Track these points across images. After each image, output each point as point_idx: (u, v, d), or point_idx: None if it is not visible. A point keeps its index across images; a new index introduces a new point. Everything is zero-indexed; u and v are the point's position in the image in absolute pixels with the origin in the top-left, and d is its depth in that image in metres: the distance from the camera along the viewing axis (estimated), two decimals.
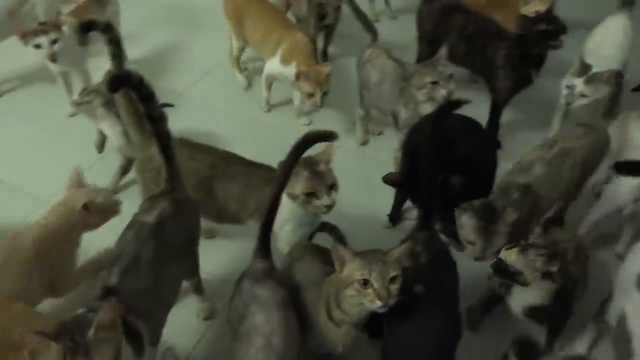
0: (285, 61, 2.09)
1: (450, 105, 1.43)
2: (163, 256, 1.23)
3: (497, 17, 2.15)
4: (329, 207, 1.35)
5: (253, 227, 1.50)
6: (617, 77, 1.87)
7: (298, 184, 1.33)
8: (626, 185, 1.69)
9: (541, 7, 2.16)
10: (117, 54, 1.47)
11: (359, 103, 2.13)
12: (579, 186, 1.63)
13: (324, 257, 1.34)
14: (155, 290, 1.20)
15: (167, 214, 1.27)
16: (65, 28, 2.00)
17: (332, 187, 1.35)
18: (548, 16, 1.90)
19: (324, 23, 2.33)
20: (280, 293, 1.18)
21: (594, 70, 1.87)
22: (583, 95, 1.85)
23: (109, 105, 1.72)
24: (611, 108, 1.64)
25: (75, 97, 1.81)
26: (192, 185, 1.48)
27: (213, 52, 2.62)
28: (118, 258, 1.17)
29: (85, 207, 1.39)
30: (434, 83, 1.72)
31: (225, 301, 1.56)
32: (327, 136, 1.19)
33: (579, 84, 1.85)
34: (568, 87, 1.89)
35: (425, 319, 1.16)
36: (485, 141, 1.74)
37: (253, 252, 1.24)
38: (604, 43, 2.07)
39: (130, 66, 1.58)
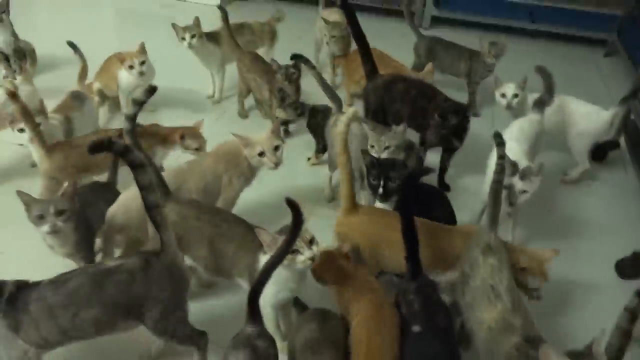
0: None
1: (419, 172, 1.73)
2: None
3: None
4: (313, 259, 1.51)
5: None
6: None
7: None
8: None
9: (428, 77, 2.63)
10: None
11: (329, 166, 2.40)
12: None
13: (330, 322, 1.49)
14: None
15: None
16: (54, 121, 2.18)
17: (312, 241, 1.53)
18: (458, 110, 2.28)
19: (286, 104, 2.62)
20: None
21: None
22: (524, 192, 1.97)
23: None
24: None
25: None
26: (197, 242, 1.66)
27: None
28: None
29: None
30: (372, 147, 2.10)
31: None
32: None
33: (516, 182, 1.97)
34: (506, 187, 1.94)
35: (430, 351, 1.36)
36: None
37: (246, 317, 1.37)
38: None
39: None
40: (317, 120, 2.54)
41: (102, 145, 1.38)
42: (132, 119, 1.70)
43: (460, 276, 1.61)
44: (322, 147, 2.57)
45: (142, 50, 2.70)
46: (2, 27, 3.05)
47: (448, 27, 4.29)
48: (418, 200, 1.81)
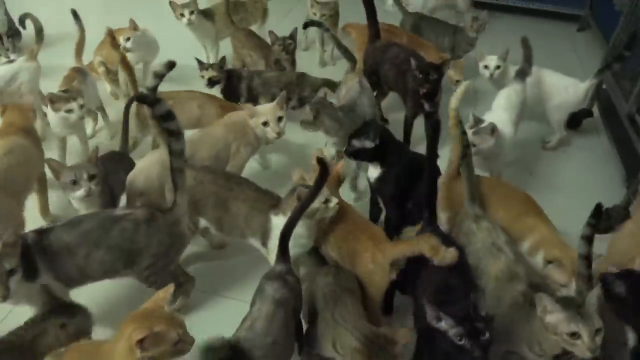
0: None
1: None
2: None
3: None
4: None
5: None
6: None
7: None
8: None
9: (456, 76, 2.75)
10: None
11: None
12: None
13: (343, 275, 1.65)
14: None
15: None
16: None
17: (327, 201, 1.67)
18: (436, 66, 2.40)
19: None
20: (280, 292, 1.43)
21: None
22: (473, 145, 2.07)
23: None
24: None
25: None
26: (212, 205, 1.79)
27: None
28: None
29: None
30: None
31: None
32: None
33: (469, 135, 2.07)
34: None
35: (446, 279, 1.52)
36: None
37: (276, 257, 1.54)
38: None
39: None
40: (232, 85, 2.65)
41: (147, 100, 1.51)
42: (153, 90, 1.80)
43: None
44: None
45: (131, 26, 2.80)
46: None
47: None
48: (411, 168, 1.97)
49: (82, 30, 2.69)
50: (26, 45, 3.21)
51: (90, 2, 4.28)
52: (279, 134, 2.14)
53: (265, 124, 2.12)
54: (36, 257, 1.49)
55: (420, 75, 2.40)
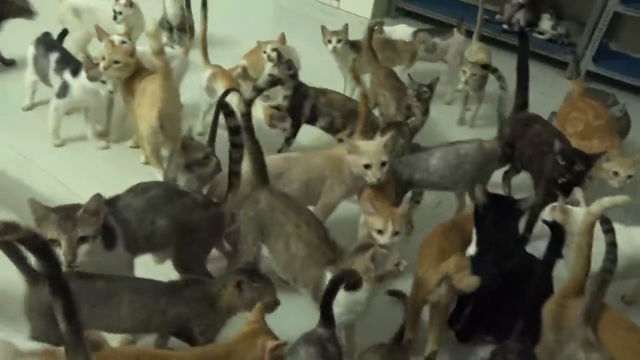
0: None
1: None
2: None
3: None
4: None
5: None
6: None
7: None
8: None
9: (621, 169, 2.29)
10: None
11: None
12: None
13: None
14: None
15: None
16: None
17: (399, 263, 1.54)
18: (586, 157, 2.08)
19: (410, 125, 2.54)
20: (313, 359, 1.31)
21: None
22: None
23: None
24: None
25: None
26: (276, 235, 1.69)
27: None
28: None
29: None
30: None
31: None
32: None
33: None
34: None
35: None
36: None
37: (319, 319, 1.40)
38: None
39: None
40: (297, 100, 2.51)
41: (225, 109, 1.71)
42: (248, 104, 1.77)
43: None
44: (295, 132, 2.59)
45: (279, 39, 2.92)
46: (173, 1, 3.39)
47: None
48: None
49: (204, 20, 2.63)
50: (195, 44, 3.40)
51: (261, 14, 4.53)
52: (379, 180, 1.91)
53: (367, 166, 1.91)
54: (114, 224, 1.53)
55: (563, 163, 2.09)
